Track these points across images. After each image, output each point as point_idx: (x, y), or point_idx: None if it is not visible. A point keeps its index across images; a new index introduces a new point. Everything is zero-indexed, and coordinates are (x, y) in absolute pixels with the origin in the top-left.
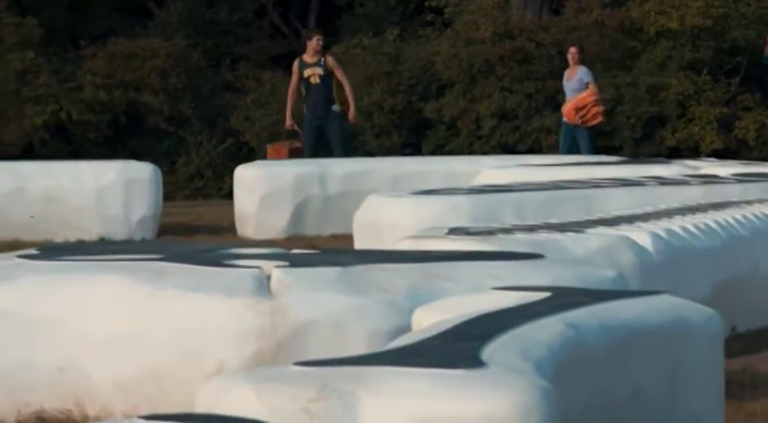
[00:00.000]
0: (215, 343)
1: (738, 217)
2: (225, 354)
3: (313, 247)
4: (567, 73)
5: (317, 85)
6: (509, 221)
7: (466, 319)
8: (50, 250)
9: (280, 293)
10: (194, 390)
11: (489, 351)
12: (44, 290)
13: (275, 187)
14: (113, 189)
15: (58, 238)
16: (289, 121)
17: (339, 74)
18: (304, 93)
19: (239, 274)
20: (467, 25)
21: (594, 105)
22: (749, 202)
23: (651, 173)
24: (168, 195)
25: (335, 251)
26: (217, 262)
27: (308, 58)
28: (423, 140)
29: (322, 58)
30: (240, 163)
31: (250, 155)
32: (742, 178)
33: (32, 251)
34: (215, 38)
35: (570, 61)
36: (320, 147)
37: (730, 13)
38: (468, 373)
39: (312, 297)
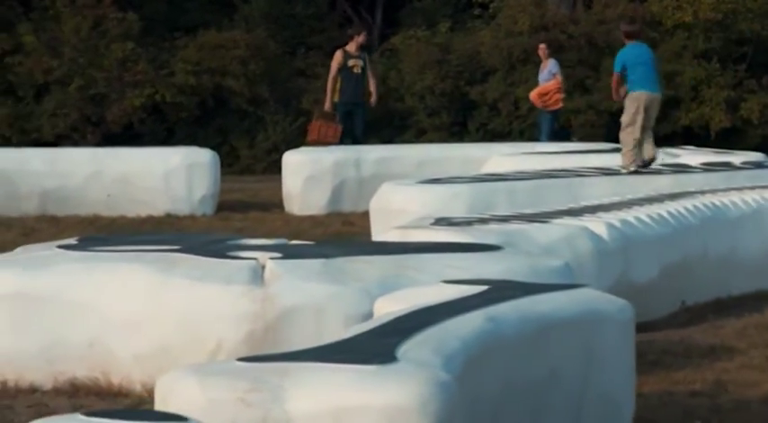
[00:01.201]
0: (215, 325)
1: (690, 206)
2: (223, 334)
3: (348, 223)
4: (541, 66)
5: (358, 74)
6: (503, 207)
7: (403, 313)
8: (87, 241)
9: (271, 282)
10: None
11: (406, 347)
12: (77, 277)
13: (317, 170)
14: (178, 172)
15: (131, 215)
16: (328, 104)
17: (372, 69)
18: (341, 79)
19: (238, 265)
20: (507, 19)
21: (557, 92)
22: (702, 193)
23: None
24: (249, 167)
25: (326, 243)
26: (222, 253)
27: (352, 50)
28: (468, 120)
29: (363, 53)
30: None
31: None
32: (708, 167)
33: (72, 241)
34: (291, 29)
35: (541, 56)
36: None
37: (738, 8)
38: (379, 368)
39: (297, 285)
